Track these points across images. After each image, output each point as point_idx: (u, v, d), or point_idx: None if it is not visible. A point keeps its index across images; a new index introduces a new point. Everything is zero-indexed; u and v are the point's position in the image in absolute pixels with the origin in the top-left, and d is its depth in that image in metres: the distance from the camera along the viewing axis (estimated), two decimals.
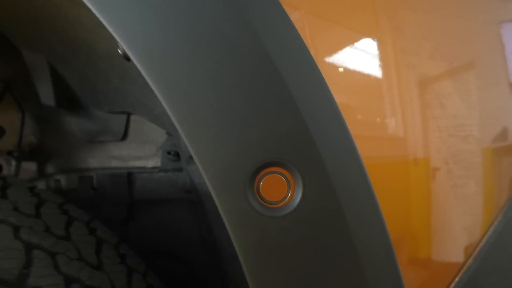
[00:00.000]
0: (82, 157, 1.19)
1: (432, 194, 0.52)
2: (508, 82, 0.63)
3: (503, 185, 0.59)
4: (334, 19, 0.48)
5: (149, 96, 0.96)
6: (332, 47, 0.47)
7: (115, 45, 0.46)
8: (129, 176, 1.16)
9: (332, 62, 0.47)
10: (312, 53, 0.43)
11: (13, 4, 0.81)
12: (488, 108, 0.59)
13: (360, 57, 0.49)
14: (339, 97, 0.45)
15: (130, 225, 1.19)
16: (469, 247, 0.55)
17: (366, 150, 0.45)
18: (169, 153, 1.09)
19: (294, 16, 0.44)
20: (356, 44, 0.49)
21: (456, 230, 0.55)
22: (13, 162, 1.15)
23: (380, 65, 0.50)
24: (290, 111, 0.43)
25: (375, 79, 0.50)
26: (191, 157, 0.97)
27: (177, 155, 1.09)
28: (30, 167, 1.20)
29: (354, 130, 0.44)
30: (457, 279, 0.52)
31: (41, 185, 1.22)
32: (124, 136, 1.15)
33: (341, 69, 0.47)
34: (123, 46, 0.42)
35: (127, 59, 0.45)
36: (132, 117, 1.15)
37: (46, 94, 1.06)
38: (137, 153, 1.16)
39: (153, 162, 1.15)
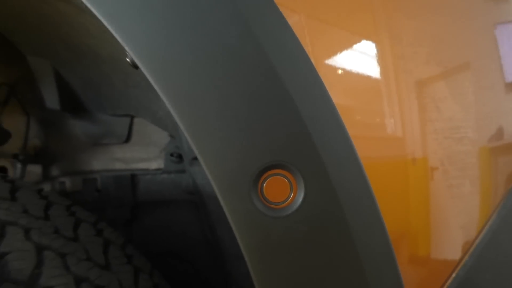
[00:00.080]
0: (86, 159, 1.21)
1: (429, 194, 0.53)
2: (502, 84, 0.64)
3: (497, 184, 0.61)
4: (332, 22, 0.50)
5: (152, 99, 0.98)
6: (330, 54, 0.49)
7: (122, 52, 0.48)
8: (133, 178, 1.17)
9: (331, 67, 0.49)
10: (312, 59, 0.45)
11: (18, 11, 0.83)
12: (483, 111, 0.61)
13: (357, 63, 0.51)
14: (338, 100, 0.46)
15: (134, 227, 1.20)
16: (465, 244, 0.56)
17: (364, 152, 0.47)
18: (172, 155, 1.11)
19: (293, 21, 0.46)
20: (353, 48, 0.51)
21: (453, 228, 0.57)
22: (19, 165, 1.16)
23: (377, 71, 0.51)
24: (292, 115, 0.44)
25: (372, 84, 0.52)
26: (193, 158, 0.98)
27: (180, 157, 1.10)
28: (35, 170, 1.22)
29: (353, 131, 0.46)
30: (454, 275, 0.54)
31: (46, 187, 1.23)
32: (128, 139, 1.16)
33: (339, 74, 0.49)
34: (132, 55, 0.44)
35: (135, 67, 0.46)
36: (136, 120, 1.17)
37: (51, 98, 1.07)
38: (141, 155, 1.17)
39: (156, 164, 1.16)
